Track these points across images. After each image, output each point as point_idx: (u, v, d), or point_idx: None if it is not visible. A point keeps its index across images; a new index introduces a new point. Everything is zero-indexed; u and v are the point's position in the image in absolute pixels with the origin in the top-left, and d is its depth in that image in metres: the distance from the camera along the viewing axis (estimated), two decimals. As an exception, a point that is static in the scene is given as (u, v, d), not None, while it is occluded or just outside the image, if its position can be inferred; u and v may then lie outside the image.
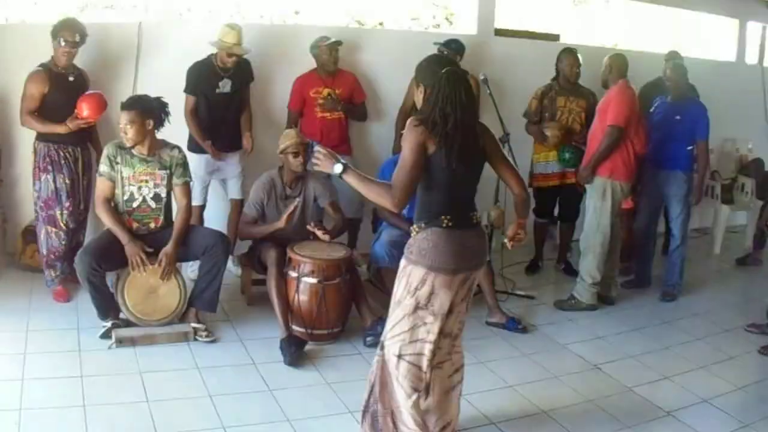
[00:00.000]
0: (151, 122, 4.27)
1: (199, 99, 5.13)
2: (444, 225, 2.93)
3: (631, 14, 8.19)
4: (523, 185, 3.21)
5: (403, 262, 3.04)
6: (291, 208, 4.56)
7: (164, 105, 4.36)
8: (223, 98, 5.18)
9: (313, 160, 3.08)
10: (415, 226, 3.02)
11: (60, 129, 4.57)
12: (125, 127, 4.20)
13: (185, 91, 5.10)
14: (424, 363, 3.04)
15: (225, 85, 5.15)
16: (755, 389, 4.24)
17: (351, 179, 2.98)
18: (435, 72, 2.95)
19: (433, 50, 5.34)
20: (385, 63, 5.88)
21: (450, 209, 2.96)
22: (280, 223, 4.53)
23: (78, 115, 4.53)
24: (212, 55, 5.14)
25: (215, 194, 5.48)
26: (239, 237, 4.94)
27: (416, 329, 3.01)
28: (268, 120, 5.65)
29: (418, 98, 3.07)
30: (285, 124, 5.45)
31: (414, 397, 3.05)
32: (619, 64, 5.21)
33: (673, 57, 6.13)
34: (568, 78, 5.79)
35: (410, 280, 2.98)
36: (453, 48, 5.62)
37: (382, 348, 3.12)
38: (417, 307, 2.98)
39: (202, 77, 5.12)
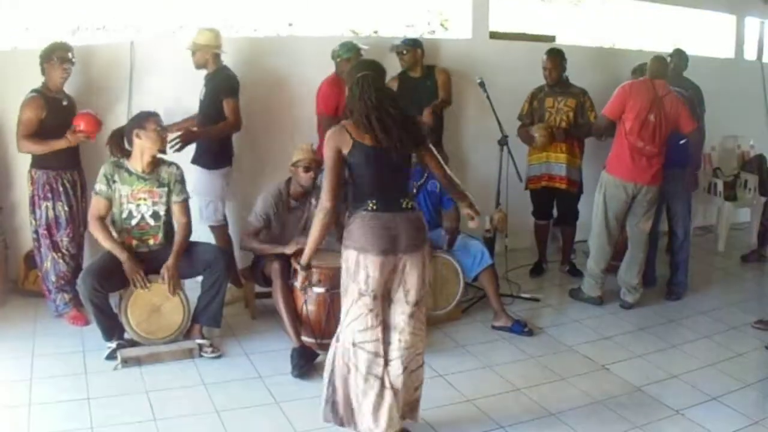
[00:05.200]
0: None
1: None
2: (370, 208, 3.19)
3: (628, 13, 8.18)
4: (446, 171, 3.44)
5: (342, 250, 3.27)
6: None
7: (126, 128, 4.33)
8: (200, 104, 5.03)
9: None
10: (347, 213, 3.31)
11: (60, 144, 4.54)
12: None
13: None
14: (381, 348, 3.22)
15: (201, 92, 5.01)
16: (764, 386, 4.21)
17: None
18: (354, 75, 3.28)
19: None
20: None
21: (376, 194, 3.21)
22: (288, 250, 4.51)
23: (76, 129, 4.52)
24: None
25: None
26: (240, 247, 4.83)
27: (365, 316, 3.20)
28: (267, 133, 5.63)
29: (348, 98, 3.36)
30: (283, 138, 5.42)
31: (373, 382, 3.21)
32: (648, 66, 5.18)
33: (677, 54, 6.12)
34: (548, 80, 5.82)
35: (348, 264, 3.22)
36: (410, 44, 5.69)
37: (338, 340, 3.31)
38: (360, 294, 3.18)
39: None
